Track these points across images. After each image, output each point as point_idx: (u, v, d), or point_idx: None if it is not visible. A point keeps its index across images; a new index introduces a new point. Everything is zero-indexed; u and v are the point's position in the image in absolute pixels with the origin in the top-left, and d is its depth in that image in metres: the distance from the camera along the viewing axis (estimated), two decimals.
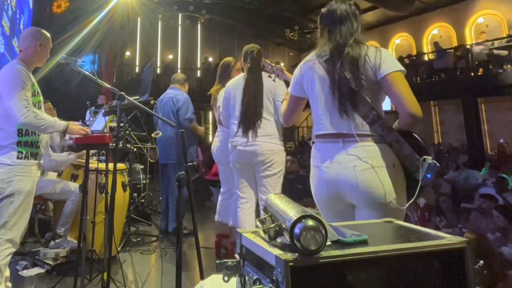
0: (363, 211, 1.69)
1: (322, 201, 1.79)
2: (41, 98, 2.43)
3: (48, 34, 2.47)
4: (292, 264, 0.81)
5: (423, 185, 1.57)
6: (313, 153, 1.84)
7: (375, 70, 1.69)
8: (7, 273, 2.22)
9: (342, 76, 1.70)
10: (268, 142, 2.91)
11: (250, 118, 2.91)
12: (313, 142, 1.88)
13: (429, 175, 1.55)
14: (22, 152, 2.24)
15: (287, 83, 2.84)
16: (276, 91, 2.95)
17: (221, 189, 3.60)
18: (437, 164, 1.56)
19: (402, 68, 1.69)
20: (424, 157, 1.58)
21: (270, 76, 2.56)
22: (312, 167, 1.83)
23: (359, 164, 1.64)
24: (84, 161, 2.82)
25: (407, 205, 1.66)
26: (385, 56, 1.70)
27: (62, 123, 2.38)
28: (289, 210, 0.89)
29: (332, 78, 1.73)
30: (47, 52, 2.46)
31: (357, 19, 1.81)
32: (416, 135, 1.73)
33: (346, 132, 1.69)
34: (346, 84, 1.68)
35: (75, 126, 2.56)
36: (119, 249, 3.39)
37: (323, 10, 1.87)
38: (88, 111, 5.53)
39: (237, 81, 3.13)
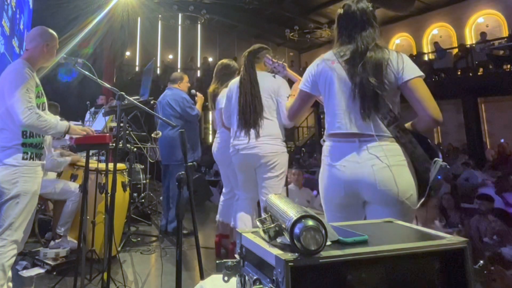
0: (377, 208, 1.69)
1: (334, 199, 1.77)
2: (45, 99, 2.42)
3: (55, 34, 2.45)
4: (292, 264, 0.81)
5: (431, 186, 1.61)
6: (325, 151, 1.82)
7: (397, 74, 1.71)
8: (9, 273, 2.22)
9: (365, 79, 1.71)
10: (270, 143, 2.82)
11: (248, 117, 2.84)
12: (324, 141, 1.86)
13: (439, 177, 1.60)
14: (27, 153, 2.23)
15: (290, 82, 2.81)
16: (279, 91, 2.84)
17: (223, 190, 3.59)
18: (448, 166, 1.60)
19: (422, 73, 1.72)
20: (435, 159, 1.62)
21: (271, 72, 2.49)
22: (324, 166, 1.81)
23: (377, 163, 1.65)
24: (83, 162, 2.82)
25: (418, 205, 1.68)
26: (407, 61, 1.73)
27: (64, 124, 2.37)
28: (289, 210, 0.89)
29: (354, 80, 1.73)
30: (53, 52, 2.45)
31: (376, 21, 1.82)
32: (425, 137, 1.74)
33: (364, 133, 1.70)
34: (369, 87, 1.69)
35: (77, 126, 2.55)
36: (119, 249, 3.39)
37: (340, 10, 1.86)
38: (88, 112, 5.53)
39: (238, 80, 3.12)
